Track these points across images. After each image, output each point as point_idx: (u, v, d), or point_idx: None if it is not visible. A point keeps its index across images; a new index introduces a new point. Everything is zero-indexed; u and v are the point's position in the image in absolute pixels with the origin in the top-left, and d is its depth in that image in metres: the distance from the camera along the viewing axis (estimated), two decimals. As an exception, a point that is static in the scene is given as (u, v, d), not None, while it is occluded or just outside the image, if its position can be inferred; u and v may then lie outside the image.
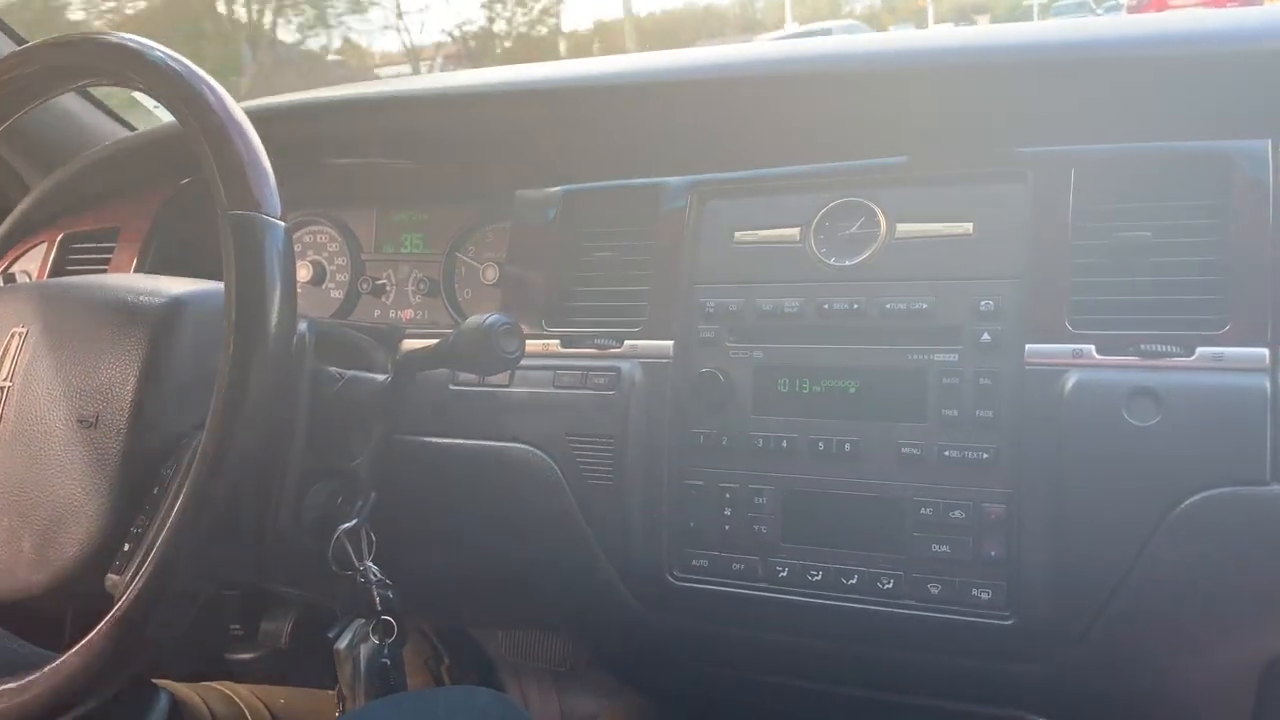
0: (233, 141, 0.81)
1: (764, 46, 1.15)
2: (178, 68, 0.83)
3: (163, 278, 0.99)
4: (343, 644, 1.03)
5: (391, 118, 1.23)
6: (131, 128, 1.41)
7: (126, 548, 0.84)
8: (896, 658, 0.97)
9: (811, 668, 1.03)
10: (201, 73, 0.85)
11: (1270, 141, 0.87)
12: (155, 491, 0.86)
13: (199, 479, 0.77)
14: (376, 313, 1.33)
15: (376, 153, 1.27)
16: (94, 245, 1.38)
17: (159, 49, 0.85)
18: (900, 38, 1.10)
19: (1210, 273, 0.87)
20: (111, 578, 0.82)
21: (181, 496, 0.77)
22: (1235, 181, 0.87)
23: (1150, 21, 1.00)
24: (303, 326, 1.03)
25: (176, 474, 0.86)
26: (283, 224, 0.81)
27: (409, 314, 1.31)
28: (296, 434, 1.01)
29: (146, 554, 0.79)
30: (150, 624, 0.75)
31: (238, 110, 0.84)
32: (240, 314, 0.77)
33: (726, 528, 0.99)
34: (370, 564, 1.02)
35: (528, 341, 1.02)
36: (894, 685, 1.01)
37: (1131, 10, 14.69)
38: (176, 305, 0.90)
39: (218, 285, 0.93)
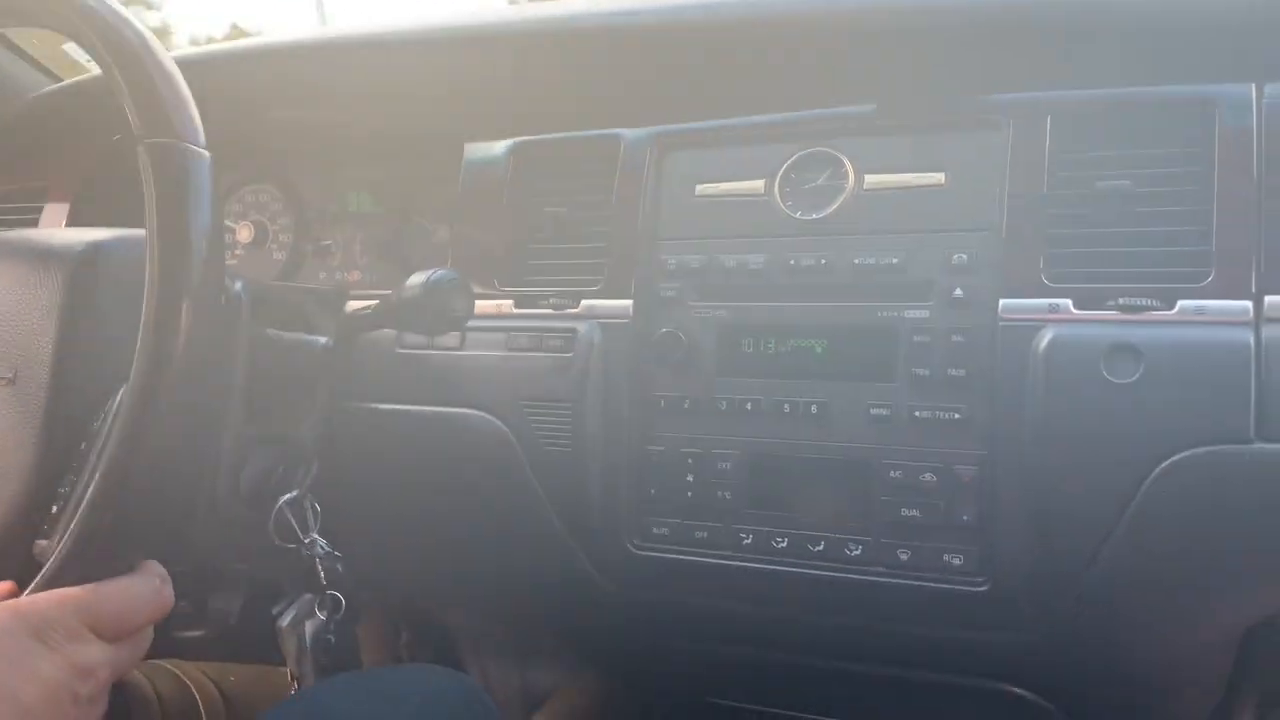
0: (146, 66, 0.75)
1: None
2: (97, 7, 0.78)
3: (86, 229, 0.92)
4: (286, 621, 0.98)
5: (331, 64, 1.16)
6: (57, 78, 1.33)
7: (55, 510, 0.78)
8: (866, 627, 0.94)
9: (777, 638, 1.00)
10: (120, 9, 0.80)
11: (1254, 85, 0.83)
12: (83, 447, 0.80)
13: (125, 429, 0.72)
14: (322, 275, 1.26)
15: (317, 105, 1.21)
16: (19, 205, 1.30)
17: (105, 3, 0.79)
18: None
19: (1192, 222, 0.83)
20: (40, 543, 0.77)
21: (106, 453, 0.73)
22: (1218, 127, 0.83)
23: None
24: (238, 287, 0.97)
25: (104, 429, 0.81)
26: (207, 154, 0.75)
27: (356, 275, 1.25)
28: (233, 399, 0.95)
29: (74, 514, 0.74)
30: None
31: (153, 39, 0.79)
32: (164, 250, 0.72)
33: (689, 494, 0.95)
34: (316, 536, 0.97)
35: (479, 302, 0.98)
36: (864, 656, 0.98)
37: None
38: (95, 250, 0.84)
39: (141, 232, 0.87)
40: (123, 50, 0.76)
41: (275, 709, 0.84)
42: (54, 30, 0.81)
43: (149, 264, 0.71)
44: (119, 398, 0.79)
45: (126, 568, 0.71)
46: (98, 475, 0.71)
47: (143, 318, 0.71)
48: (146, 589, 0.69)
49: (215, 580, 1.26)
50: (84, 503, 0.71)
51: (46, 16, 0.79)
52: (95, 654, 0.64)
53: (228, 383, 0.95)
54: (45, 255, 0.84)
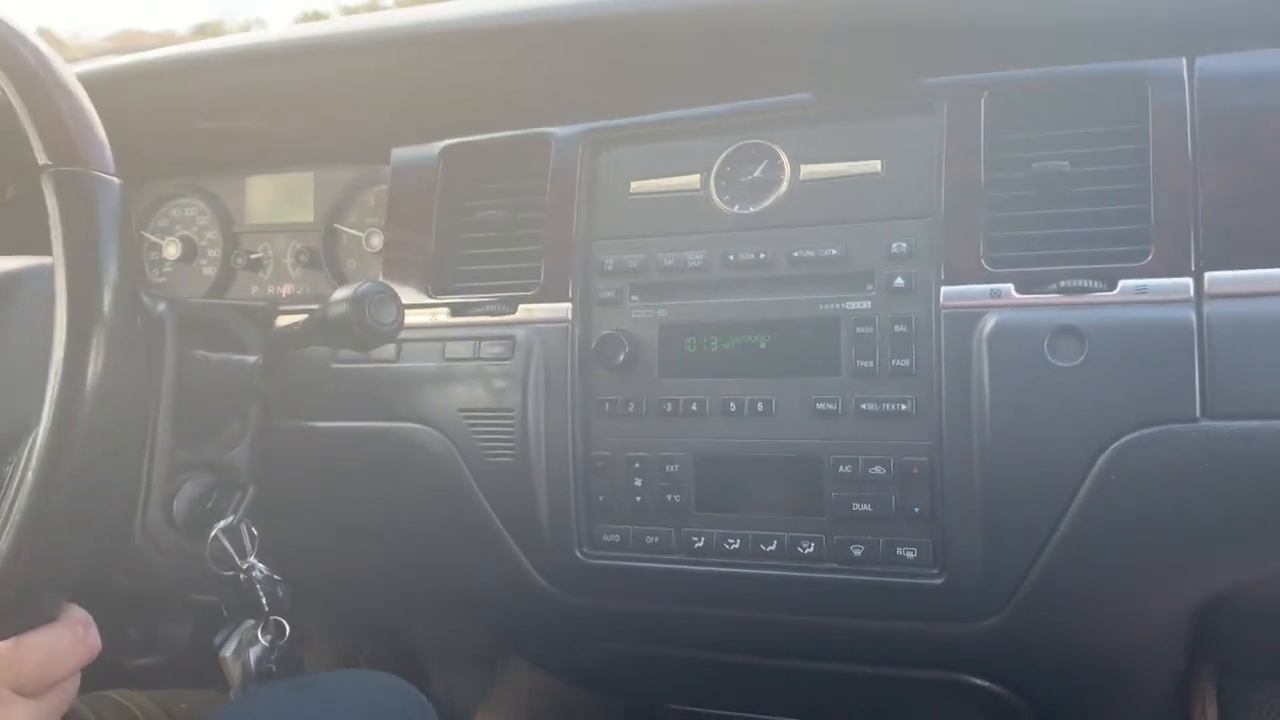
0: (46, 87, 0.72)
1: None
2: (15, 41, 0.74)
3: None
4: (229, 650, 0.96)
5: (252, 72, 1.12)
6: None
7: None
8: (823, 624, 0.92)
9: (735, 640, 0.98)
10: (18, 26, 0.76)
11: (1186, 59, 0.82)
12: None
13: (37, 475, 0.69)
14: (254, 289, 1.23)
15: (240, 113, 1.17)
16: None
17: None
18: None
19: (1130, 200, 0.82)
20: None
21: (18, 501, 0.69)
22: (1151, 103, 0.82)
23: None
24: (162, 308, 0.94)
25: (18, 471, 0.77)
26: (116, 180, 0.72)
27: (289, 288, 1.21)
28: (159, 425, 0.92)
29: None
30: None
31: (61, 64, 0.75)
32: (71, 285, 0.68)
33: (638, 499, 0.93)
34: (255, 561, 0.94)
35: (414, 312, 0.95)
36: (823, 653, 0.97)
37: None
38: (8, 282, 0.80)
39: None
40: (21, 70, 0.72)
41: (206, 714, 0.81)
42: None
43: (58, 300, 0.68)
44: (32, 439, 0.76)
45: (47, 617, 0.67)
46: (11, 525, 0.68)
47: (52, 356, 0.68)
48: (68, 638, 0.66)
49: (163, 607, 1.22)
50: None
51: None
52: (19, 715, 0.61)
53: (154, 409, 0.92)
54: None
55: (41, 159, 0.70)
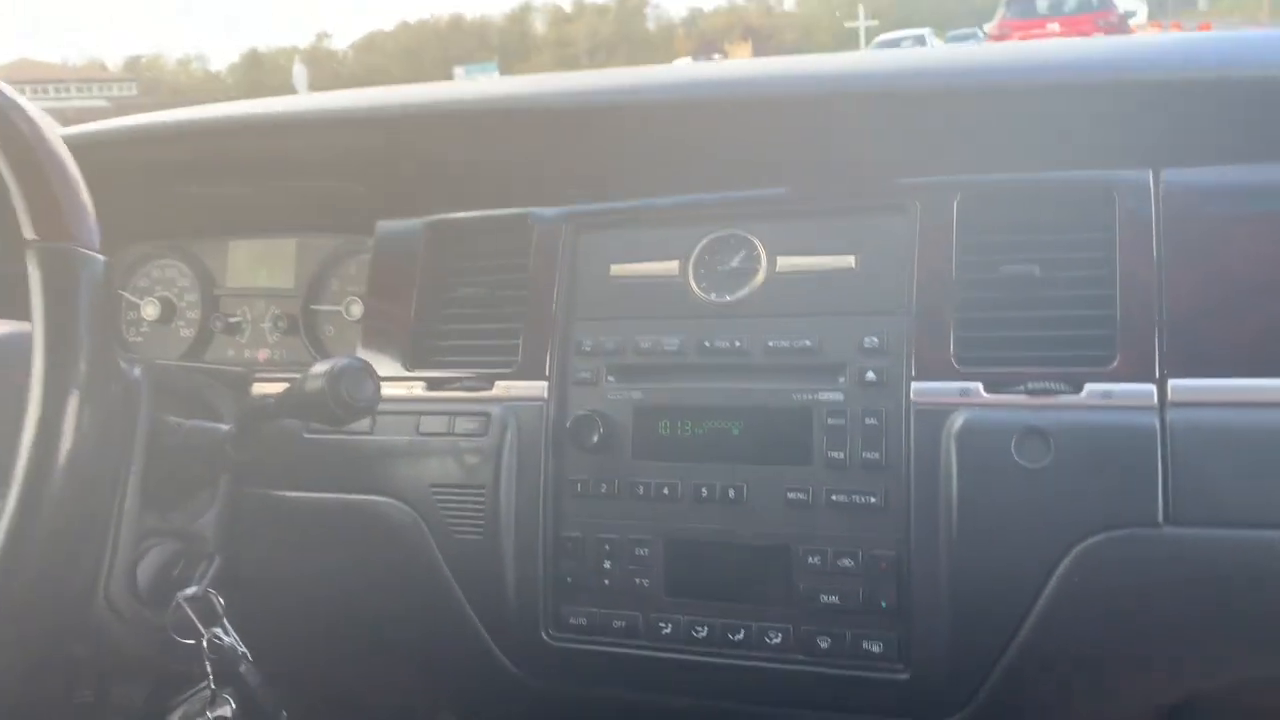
0: (40, 164, 0.73)
1: (635, 72, 1.10)
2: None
3: None
4: None
5: (240, 142, 1.13)
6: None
7: None
8: (790, 716, 0.91)
9: None
10: (9, 93, 0.77)
11: (1152, 171, 0.85)
12: None
13: (2, 550, 0.68)
14: (230, 352, 1.23)
15: (226, 180, 1.18)
16: None
17: None
18: (777, 64, 1.06)
19: (1097, 306, 0.84)
20: None
21: None
22: (1119, 213, 0.85)
23: (1026, 49, 0.98)
24: (138, 372, 0.94)
25: None
26: (101, 257, 0.73)
27: (265, 353, 1.21)
28: (128, 490, 0.91)
29: None
30: None
31: (53, 134, 0.76)
32: (49, 360, 0.69)
33: (606, 581, 0.93)
34: (219, 631, 0.93)
35: (389, 384, 0.95)
36: None
37: (994, 39, 14.99)
38: None
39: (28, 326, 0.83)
40: (14, 140, 0.73)
41: None
42: None
43: (34, 372, 0.68)
44: None
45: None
46: None
47: (25, 427, 0.68)
48: None
49: (119, 667, 1.20)
50: None
51: None
52: None
53: (124, 474, 0.91)
54: None
55: (28, 234, 0.70)
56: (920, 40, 19.78)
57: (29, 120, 0.75)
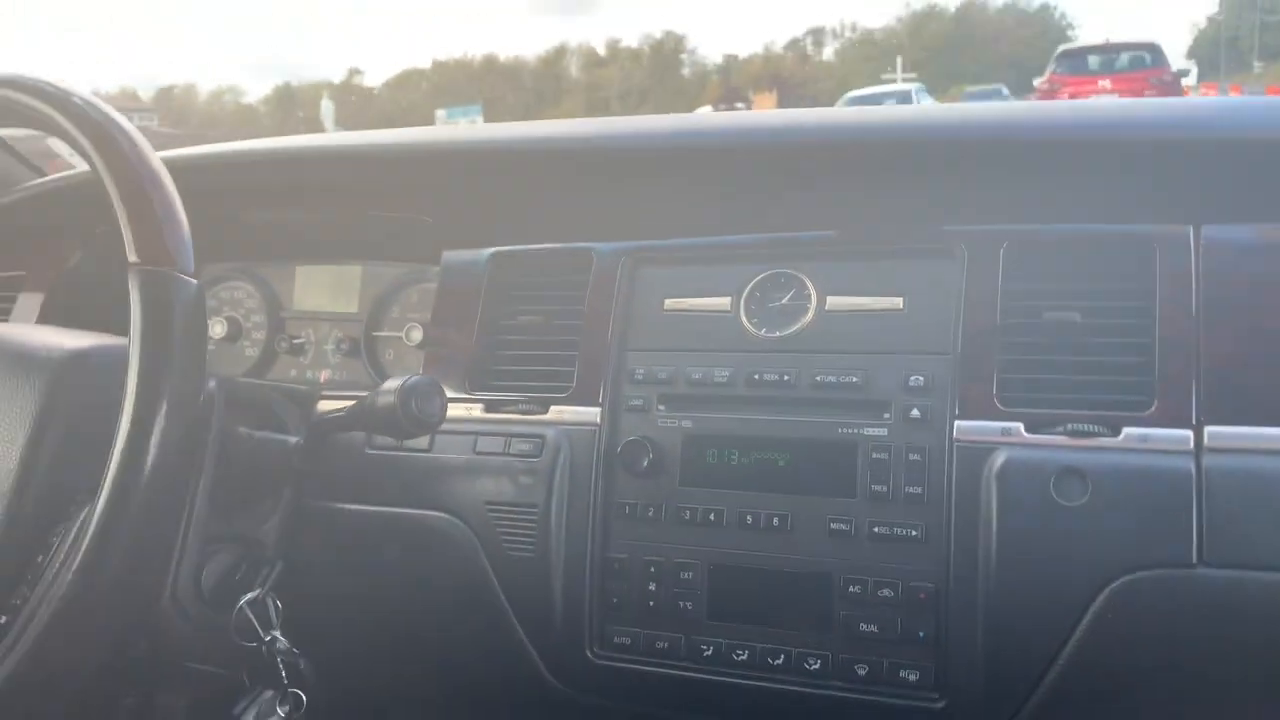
0: (146, 191, 0.76)
1: (694, 118, 1.15)
2: (95, 115, 0.79)
3: (65, 330, 0.92)
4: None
5: (318, 171, 1.19)
6: (41, 173, 1.35)
7: (3, 620, 0.77)
8: None
9: None
10: (118, 118, 0.82)
11: (1192, 227, 0.88)
12: (40, 560, 0.79)
13: (87, 557, 0.71)
14: (293, 372, 1.28)
15: (299, 207, 1.24)
16: None
17: (79, 93, 0.81)
18: (830, 113, 1.11)
19: (1136, 354, 0.87)
20: None
21: (68, 576, 0.72)
22: (1159, 266, 0.88)
23: (1074, 106, 1.02)
24: (212, 385, 0.98)
25: (63, 544, 0.79)
26: (195, 281, 0.76)
27: (326, 374, 1.26)
28: (199, 497, 0.95)
29: (22, 632, 0.73)
30: (17, 714, 0.69)
31: (155, 159, 0.80)
32: (142, 379, 0.72)
33: (651, 603, 0.96)
34: (277, 634, 0.97)
35: (450, 405, 0.99)
36: None
37: (1043, 95, 14.76)
38: (76, 359, 0.83)
39: (123, 341, 0.88)
40: (119, 164, 0.77)
41: None
42: (51, 134, 0.84)
43: (127, 387, 0.72)
44: (83, 513, 0.77)
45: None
46: (57, 592, 0.71)
47: (115, 442, 0.71)
48: None
49: (163, 675, 1.23)
50: (37, 620, 0.70)
51: (51, 123, 0.81)
52: None
53: (195, 481, 0.95)
54: (27, 361, 0.82)
55: (131, 256, 0.74)
56: (906, 98, 16.77)
57: (135, 146, 0.79)
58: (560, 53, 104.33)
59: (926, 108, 1.34)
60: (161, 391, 0.73)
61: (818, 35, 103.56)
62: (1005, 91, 22.50)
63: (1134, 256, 0.90)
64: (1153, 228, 0.90)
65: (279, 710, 0.95)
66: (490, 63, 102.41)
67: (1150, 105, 0.98)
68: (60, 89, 0.81)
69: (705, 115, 1.17)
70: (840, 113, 1.10)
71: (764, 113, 1.27)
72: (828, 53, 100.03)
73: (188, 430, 0.76)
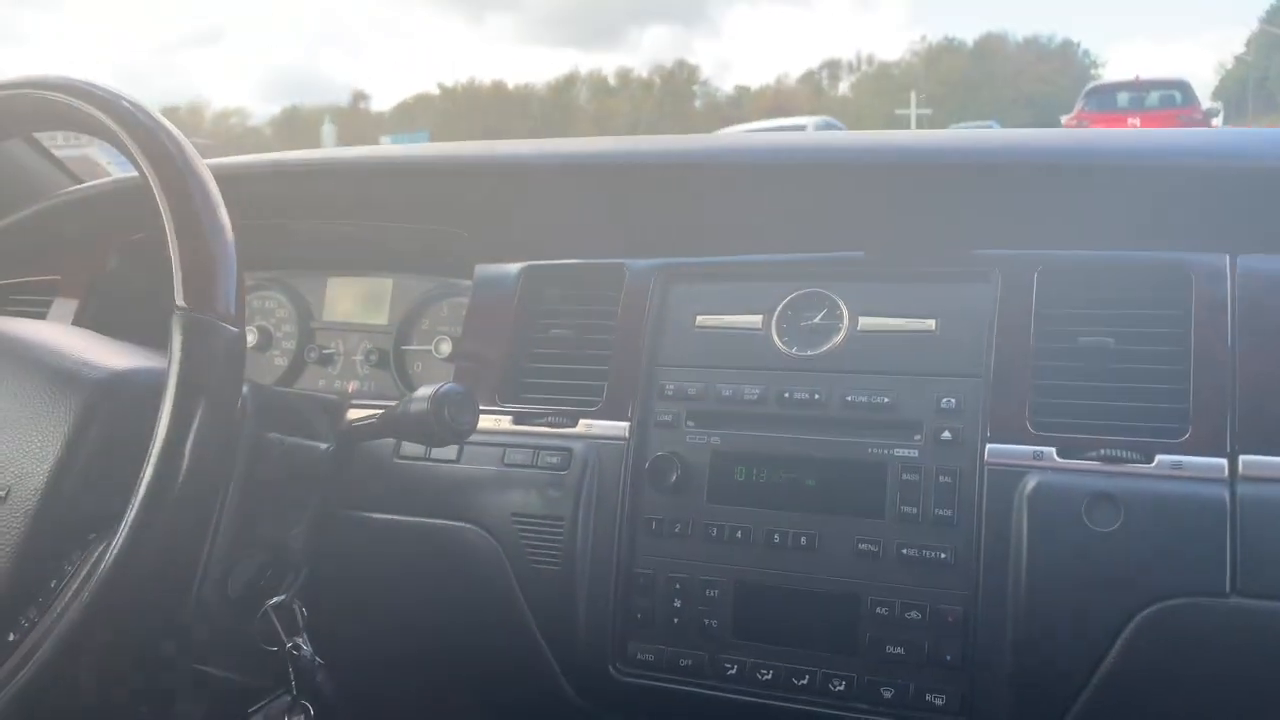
0: (203, 233, 0.76)
1: (730, 137, 1.16)
2: (168, 143, 0.79)
3: (105, 344, 0.92)
4: None
5: (354, 183, 1.21)
6: (77, 179, 1.37)
7: (11, 637, 0.76)
8: None
9: None
10: (190, 151, 0.81)
11: (1229, 256, 0.89)
12: (54, 585, 0.78)
13: (102, 586, 0.71)
14: (321, 382, 1.28)
15: (334, 218, 1.25)
16: (29, 297, 1.32)
17: (129, 98, 0.81)
18: (864, 136, 1.12)
19: (1170, 381, 0.87)
20: None
21: (84, 598, 0.72)
22: (1195, 294, 0.88)
23: (1111, 134, 1.03)
24: (244, 390, 0.99)
25: (80, 571, 0.78)
26: (237, 330, 0.76)
27: (354, 385, 1.27)
28: (228, 502, 0.96)
29: (28, 656, 0.72)
30: None
31: (216, 194, 0.79)
32: (173, 424, 0.72)
33: (675, 620, 0.95)
34: (300, 641, 0.97)
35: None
36: None
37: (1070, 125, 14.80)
38: (116, 381, 0.82)
39: (162, 364, 0.87)
40: (183, 205, 0.76)
41: None
42: (105, 140, 0.84)
43: (158, 426, 0.72)
44: (103, 539, 0.76)
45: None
46: (65, 621, 0.71)
47: (142, 475, 0.72)
48: None
49: (179, 682, 1.23)
50: (47, 645, 0.71)
51: (95, 127, 0.82)
52: None
53: (224, 486, 0.95)
54: (68, 377, 0.82)
55: (179, 299, 0.74)
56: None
57: (201, 185, 0.79)
58: (570, 81, 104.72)
59: (959, 131, 1.34)
60: (191, 430, 0.73)
61: (833, 68, 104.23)
62: (996, 126, 22.36)
63: (1169, 284, 0.90)
64: (1189, 256, 0.90)
65: (289, 718, 0.94)
66: (498, 89, 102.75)
67: (1188, 134, 0.99)
68: (110, 93, 0.82)
69: (733, 135, 1.18)
70: (878, 135, 1.11)
71: (800, 134, 1.28)
72: (843, 86, 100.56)
73: (217, 454, 0.76)
